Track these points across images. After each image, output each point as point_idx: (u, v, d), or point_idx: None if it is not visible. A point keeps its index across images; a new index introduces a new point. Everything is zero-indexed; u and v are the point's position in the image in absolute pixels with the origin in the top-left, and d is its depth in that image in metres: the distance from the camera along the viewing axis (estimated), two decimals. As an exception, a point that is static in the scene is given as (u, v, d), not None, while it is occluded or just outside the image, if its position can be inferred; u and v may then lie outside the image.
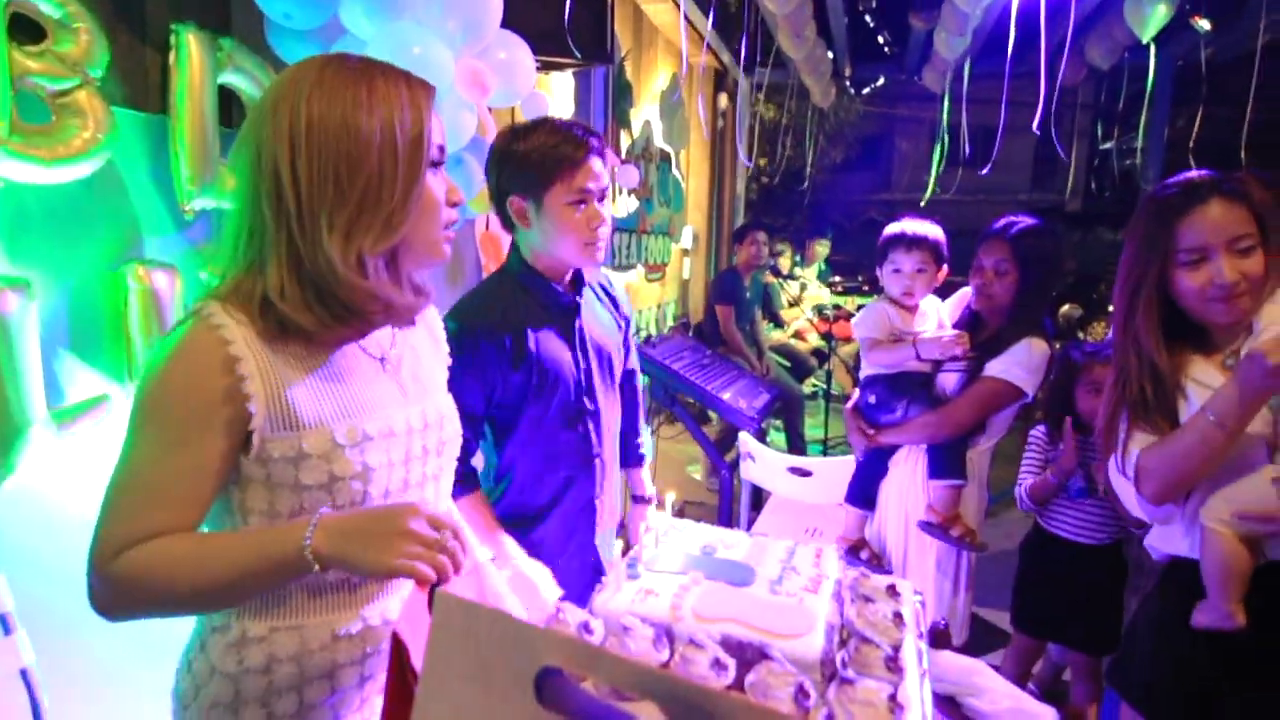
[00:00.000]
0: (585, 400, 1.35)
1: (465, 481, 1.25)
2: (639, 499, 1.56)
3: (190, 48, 1.42)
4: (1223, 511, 1.10)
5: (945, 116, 4.63)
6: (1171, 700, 1.22)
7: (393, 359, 0.89)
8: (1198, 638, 1.16)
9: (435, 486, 0.92)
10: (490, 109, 1.97)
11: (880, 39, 5.03)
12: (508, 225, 1.35)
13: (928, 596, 1.72)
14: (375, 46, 1.45)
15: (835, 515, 2.33)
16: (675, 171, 5.10)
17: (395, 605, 0.88)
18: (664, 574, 0.81)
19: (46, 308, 1.28)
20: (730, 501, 2.52)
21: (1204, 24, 3.70)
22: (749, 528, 2.45)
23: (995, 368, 1.64)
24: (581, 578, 1.39)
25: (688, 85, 5.36)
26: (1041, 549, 1.80)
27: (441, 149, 0.83)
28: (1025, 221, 1.70)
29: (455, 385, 1.03)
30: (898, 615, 0.74)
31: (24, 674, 1.22)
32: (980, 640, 2.12)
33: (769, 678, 0.61)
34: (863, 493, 1.81)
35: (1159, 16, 3.36)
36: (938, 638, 1.04)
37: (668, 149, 4.85)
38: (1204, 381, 1.14)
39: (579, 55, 2.18)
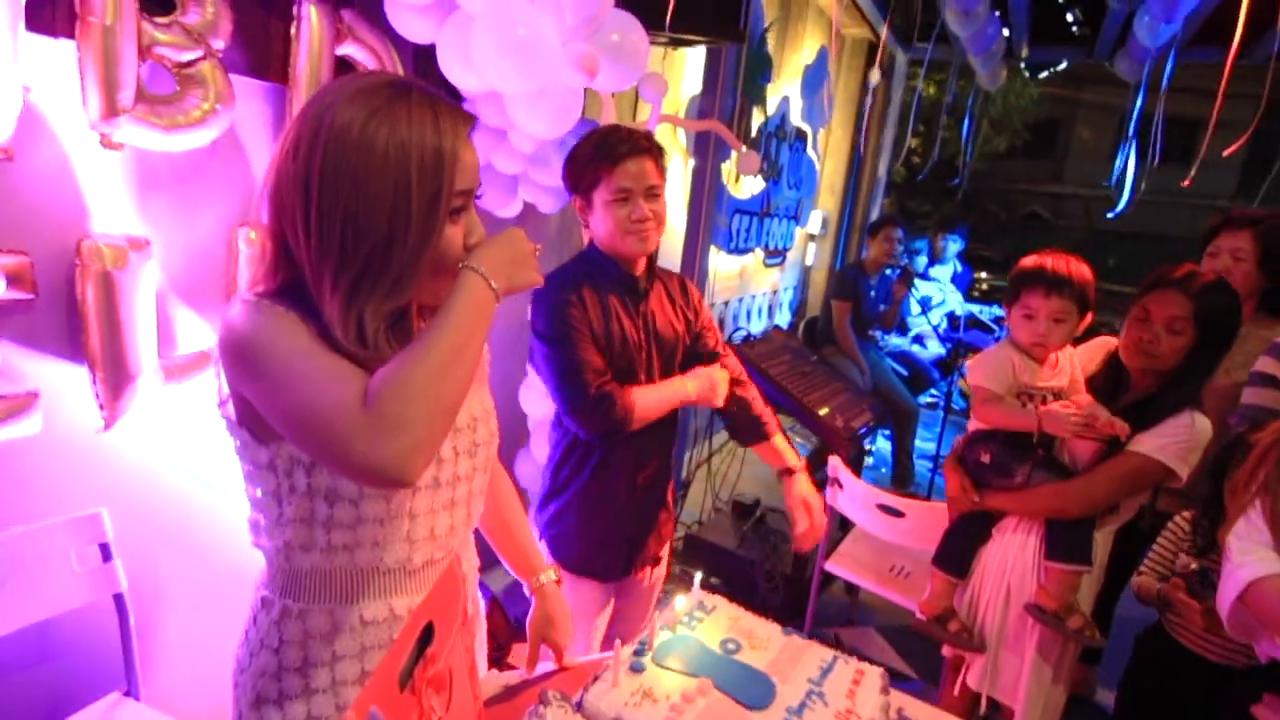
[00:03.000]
0: (639, 372, 1.46)
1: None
2: (783, 471, 1.55)
3: (313, 19, 1.44)
4: None
5: (1140, 108, 3.97)
6: None
7: None
8: None
9: (467, 486, 0.91)
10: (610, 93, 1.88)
11: (1069, 17, 4.40)
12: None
13: (1022, 683, 1.52)
14: (484, 23, 1.40)
15: (924, 558, 2.13)
16: (811, 151, 4.79)
17: (418, 600, 0.88)
18: (671, 672, 0.72)
19: (165, 264, 1.37)
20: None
21: None
22: (830, 551, 2.30)
23: (1148, 444, 1.37)
24: (617, 543, 1.51)
25: (836, 59, 4.99)
26: (1161, 655, 1.52)
27: (468, 192, 0.78)
28: (1208, 275, 1.40)
29: (578, 349, 1.34)
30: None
31: (118, 599, 1.35)
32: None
33: None
34: (957, 557, 1.59)
35: None
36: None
37: (805, 127, 4.56)
38: None
39: (706, 34, 2.04)
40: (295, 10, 1.43)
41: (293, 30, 1.44)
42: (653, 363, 1.48)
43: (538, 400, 2.14)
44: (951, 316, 4.66)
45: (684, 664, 0.74)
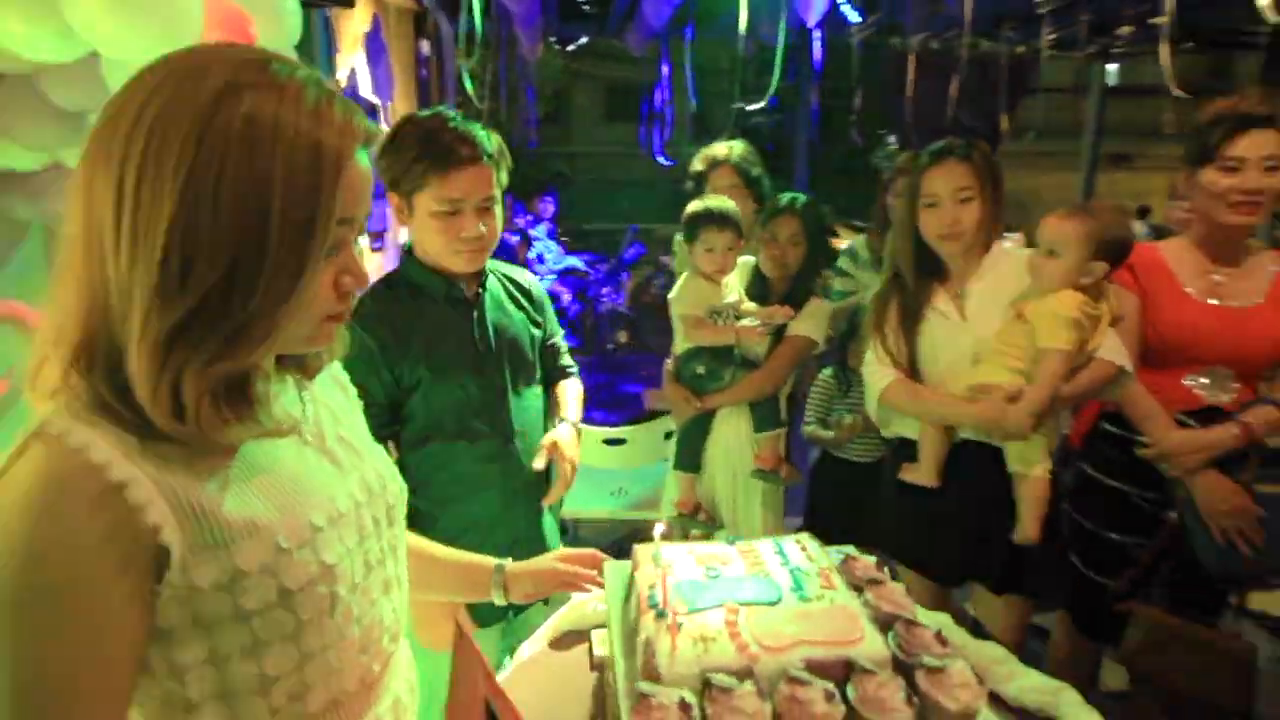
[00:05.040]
0: (495, 379, 1.36)
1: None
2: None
3: None
4: None
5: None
6: (905, 543, 1.65)
7: (311, 425, 0.69)
8: (914, 496, 1.58)
9: (394, 559, 0.76)
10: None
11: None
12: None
13: (756, 535, 1.93)
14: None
15: (643, 474, 2.44)
16: (384, 124, 4.59)
17: (382, 710, 0.72)
18: (701, 611, 0.75)
19: None
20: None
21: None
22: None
23: (800, 327, 1.86)
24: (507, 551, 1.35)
25: (386, 28, 4.80)
26: (830, 470, 2.12)
27: (351, 221, 0.60)
28: (803, 195, 1.94)
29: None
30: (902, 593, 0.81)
31: None
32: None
33: (876, 690, 0.63)
34: (690, 456, 1.92)
35: (822, 3, 3.98)
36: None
37: (376, 101, 4.34)
38: (939, 309, 1.57)
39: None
40: None
41: None
42: (505, 371, 1.37)
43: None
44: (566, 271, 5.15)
45: (703, 601, 0.77)
